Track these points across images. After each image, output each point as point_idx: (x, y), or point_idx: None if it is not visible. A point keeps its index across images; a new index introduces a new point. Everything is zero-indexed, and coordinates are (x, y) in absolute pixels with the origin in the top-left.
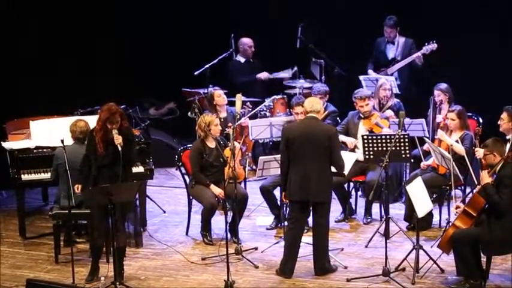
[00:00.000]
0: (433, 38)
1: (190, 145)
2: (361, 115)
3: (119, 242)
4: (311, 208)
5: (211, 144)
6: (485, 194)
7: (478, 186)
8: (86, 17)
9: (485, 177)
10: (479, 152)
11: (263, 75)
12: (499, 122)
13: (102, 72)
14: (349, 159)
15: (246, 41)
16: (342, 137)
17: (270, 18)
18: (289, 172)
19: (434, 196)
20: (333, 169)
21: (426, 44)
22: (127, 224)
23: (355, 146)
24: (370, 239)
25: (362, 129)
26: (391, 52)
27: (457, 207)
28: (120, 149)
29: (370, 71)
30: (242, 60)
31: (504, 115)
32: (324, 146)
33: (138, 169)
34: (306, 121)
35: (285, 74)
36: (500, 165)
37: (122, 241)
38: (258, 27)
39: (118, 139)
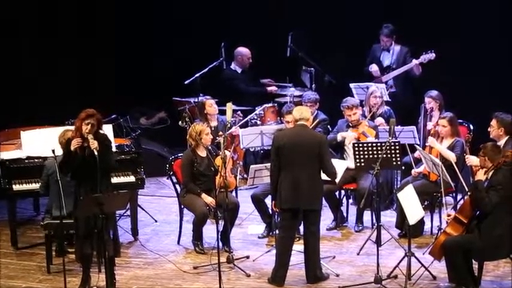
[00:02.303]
0: (424, 46)
1: (181, 154)
2: (349, 123)
3: (108, 252)
4: (302, 216)
5: (202, 153)
6: (475, 190)
7: (469, 193)
8: (84, 23)
9: (480, 175)
10: (470, 159)
11: (273, 88)
12: (489, 129)
13: (93, 82)
14: (340, 167)
15: (245, 51)
16: (342, 133)
17: (270, 18)
18: (280, 180)
19: (426, 203)
20: (325, 177)
21: (424, 53)
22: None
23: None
24: (362, 247)
25: (350, 138)
26: (387, 60)
27: (448, 215)
28: (96, 153)
29: (373, 65)
30: (238, 70)
31: (494, 122)
32: (315, 153)
33: (129, 178)
34: (296, 129)
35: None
36: (492, 171)
37: (110, 250)
38: (248, 36)
39: (94, 144)
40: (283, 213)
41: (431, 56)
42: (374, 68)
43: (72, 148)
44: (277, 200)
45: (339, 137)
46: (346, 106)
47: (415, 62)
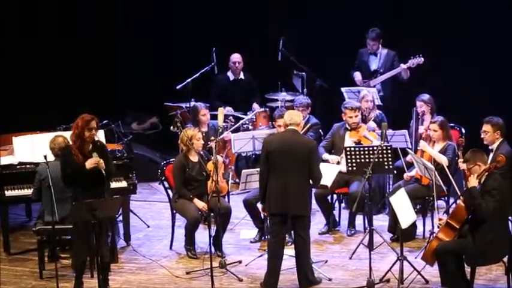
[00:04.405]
0: (414, 49)
1: (173, 159)
2: (347, 126)
3: (103, 257)
4: (291, 221)
5: (194, 158)
6: (470, 197)
7: (461, 197)
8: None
9: (473, 181)
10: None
11: (256, 107)
12: (482, 136)
13: (84, 87)
14: (332, 171)
15: (231, 56)
16: (326, 155)
17: (262, 22)
18: (269, 185)
19: (418, 207)
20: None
21: (412, 57)
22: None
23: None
24: (354, 251)
25: (348, 141)
26: (374, 64)
27: (440, 219)
28: (103, 171)
29: (356, 73)
30: (231, 77)
31: (488, 127)
32: (304, 158)
33: (121, 184)
34: (286, 133)
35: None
36: (484, 176)
37: (105, 256)
38: (241, 40)
39: (101, 164)
40: (272, 218)
41: (420, 60)
42: (357, 77)
43: (88, 167)
44: (266, 204)
45: (323, 158)
46: (350, 107)
47: (403, 66)
